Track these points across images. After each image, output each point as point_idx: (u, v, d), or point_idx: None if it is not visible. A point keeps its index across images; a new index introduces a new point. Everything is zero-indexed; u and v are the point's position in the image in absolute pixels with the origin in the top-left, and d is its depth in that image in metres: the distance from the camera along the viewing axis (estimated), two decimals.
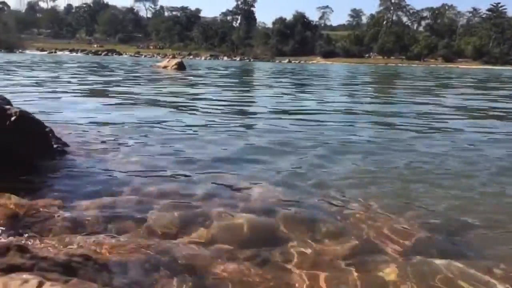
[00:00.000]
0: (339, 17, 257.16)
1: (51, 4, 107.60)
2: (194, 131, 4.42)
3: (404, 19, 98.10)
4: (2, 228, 1.77)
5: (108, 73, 17.06)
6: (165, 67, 21.96)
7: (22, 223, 1.88)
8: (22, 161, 2.52)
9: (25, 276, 1.10)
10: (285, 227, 2.09)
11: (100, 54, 69.12)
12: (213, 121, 5.11)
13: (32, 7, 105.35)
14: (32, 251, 1.30)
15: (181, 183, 2.63)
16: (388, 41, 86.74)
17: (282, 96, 8.25)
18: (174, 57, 62.12)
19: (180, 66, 21.40)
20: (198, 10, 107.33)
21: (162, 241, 1.89)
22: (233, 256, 1.80)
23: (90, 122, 4.54)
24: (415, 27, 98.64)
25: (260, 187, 2.62)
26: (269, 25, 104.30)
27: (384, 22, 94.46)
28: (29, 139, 2.59)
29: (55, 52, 69.78)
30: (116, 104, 6.59)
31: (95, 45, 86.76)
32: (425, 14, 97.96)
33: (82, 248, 1.54)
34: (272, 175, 2.93)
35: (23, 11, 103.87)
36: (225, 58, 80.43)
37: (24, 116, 2.59)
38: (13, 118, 2.53)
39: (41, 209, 2.03)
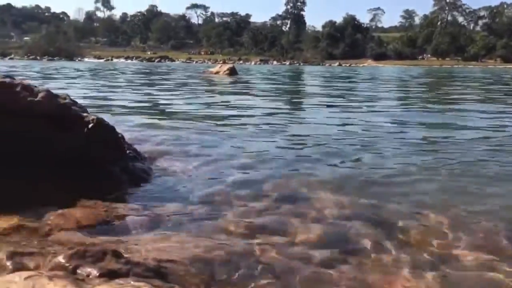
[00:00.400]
0: (390, 19, 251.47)
1: (107, 13, 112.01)
2: (253, 138, 4.44)
3: (460, 19, 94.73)
4: (92, 231, 1.84)
5: (162, 80, 17.48)
6: (217, 72, 22.26)
7: (110, 227, 1.95)
8: (100, 167, 2.61)
9: (137, 283, 1.13)
10: (363, 231, 2.05)
11: (154, 61, 71.09)
12: (270, 125, 5.11)
13: (90, 17, 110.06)
14: (125, 256, 1.33)
15: (252, 188, 2.64)
16: (442, 42, 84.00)
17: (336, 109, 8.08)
18: (224, 62, 62.91)
19: (232, 72, 21.63)
20: (248, 16, 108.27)
21: (243, 242, 1.90)
22: (313, 260, 1.79)
23: (151, 128, 4.66)
24: (471, 27, 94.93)
25: (332, 194, 2.59)
26: (319, 28, 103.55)
27: (439, 23, 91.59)
28: (105, 146, 2.68)
29: (111, 59, 72.43)
30: (177, 113, 6.73)
31: (149, 52, 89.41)
32: (482, 13, 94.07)
33: (168, 252, 1.57)
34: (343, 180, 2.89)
35: (82, 20, 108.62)
36: (275, 62, 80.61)
37: (100, 123, 2.68)
38: (90, 125, 2.63)
39: (125, 214, 2.10)
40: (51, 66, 32.68)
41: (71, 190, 2.39)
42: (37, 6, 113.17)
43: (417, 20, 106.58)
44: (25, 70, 22.05)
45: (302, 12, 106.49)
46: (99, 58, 73.37)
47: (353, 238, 2.02)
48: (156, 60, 73.07)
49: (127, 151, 2.93)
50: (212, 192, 2.55)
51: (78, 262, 1.24)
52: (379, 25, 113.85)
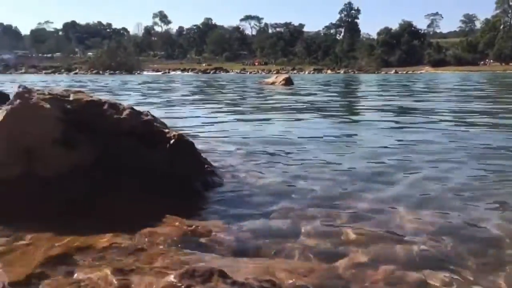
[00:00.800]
0: (449, 24, 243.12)
1: (165, 28, 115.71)
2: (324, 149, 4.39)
3: None
4: (183, 249, 1.87)
5: (218, 92, 17.74)
6: (273, 83, 22.38)
7: (200, 244, 1.97)
8: (182, 183, 2.66)
9: None
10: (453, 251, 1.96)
11: (209, 72, 72.54)
12: (340, 140, 5.03)
13: (148, 32, 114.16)
14: (230, 276, 1.34)
15: (326, 206, 2.60)
16: (506, 46, 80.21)
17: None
18: (278, 72, 63.10)
19: (288, 82, 21.66)
20: (301, 25, 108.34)
21: (326, 264, 1.87)
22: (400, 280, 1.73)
23: (219, 141, 4.70)
24: None
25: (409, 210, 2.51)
26: (374, 36, 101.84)
27: (501, 26, 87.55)
28: (186, 161, 2.73)
29: (169, 72, 74.61)
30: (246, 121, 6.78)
31: (204, 64, 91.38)
32: None
33: (266, 272, 1.56)
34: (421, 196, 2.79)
35: (141, 35, 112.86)
36: (329, 71, 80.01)
37: (181, 139, 2.74)
38: (172, 141, 2.70)
39: (211, 230, 2.12)
40: (114, 79, 34.06)
41: (156, 206, 2.45)
42: (100, 23, 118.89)
43: (477, 25, 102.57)
44: (93, 85, 23.09)
45: (356, 20, 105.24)
46: (157, 71, 75.71)
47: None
48: (211, 72, 74.52)
49: (205, 166, 2.98)
50: (292, 207, 2.53)
51: (189, 282, 1.26)
52: (437, 30, 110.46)
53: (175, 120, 6.43)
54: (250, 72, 76.10)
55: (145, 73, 69.84)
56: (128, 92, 16.65)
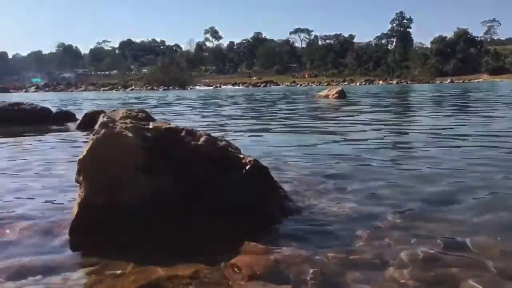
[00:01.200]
0: (508, 30, 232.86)
1: (216, 43, 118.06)
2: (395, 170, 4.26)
3: None
4: (271, 281, 1.85)
5: (272, 107, 17.77)
6: (326, 96, 22.21)
7: (286, 276, 1.94)
8: (259, 209, 2.64)
9: None
10: None
11: (259, 86, 73.20)
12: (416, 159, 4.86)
13: (200, 47, 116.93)
14: None
15: (419, 231, 2.50)
16: None
17: None
18: (329, 84, 62.71)
19: (341, 95, 21.43)
20: (351, 36, 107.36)
21: None
22: None
23: (281, 163, 4.65)
24: None
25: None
26: (427, 45, 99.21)
27: None
28: (262, 187, 2.72)
29: (220, 86, 75.87)
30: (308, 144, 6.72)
31: (254, 78, 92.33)
32: None
33: None
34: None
35: (193, 51, 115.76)
36: (381, 82, 78.62)
37: (256, 164, 2.73)
38: (248, 167, 2.69)
39: (292, 262, 2.08)
40: (169, 95, 34.97)
41: (234, 232, 2.44)
42: (154, 40, 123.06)
43: None
44: (155, 101, 23.80)
45: (408, 29, 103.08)
46: (208, 85, 77.27)
47: None
48: (262, 85, 75.11)
49: (280, 190, 2.95)
50: (376, 235, 2.44)
51: None
52: (495, 37, 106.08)
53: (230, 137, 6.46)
54: (300, 85, 76.12)
55: (197, 87, 71.42)
56: (194, 109, 17.01)
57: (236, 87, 73.60)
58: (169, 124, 2.74)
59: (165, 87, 68.56)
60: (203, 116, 12.29)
